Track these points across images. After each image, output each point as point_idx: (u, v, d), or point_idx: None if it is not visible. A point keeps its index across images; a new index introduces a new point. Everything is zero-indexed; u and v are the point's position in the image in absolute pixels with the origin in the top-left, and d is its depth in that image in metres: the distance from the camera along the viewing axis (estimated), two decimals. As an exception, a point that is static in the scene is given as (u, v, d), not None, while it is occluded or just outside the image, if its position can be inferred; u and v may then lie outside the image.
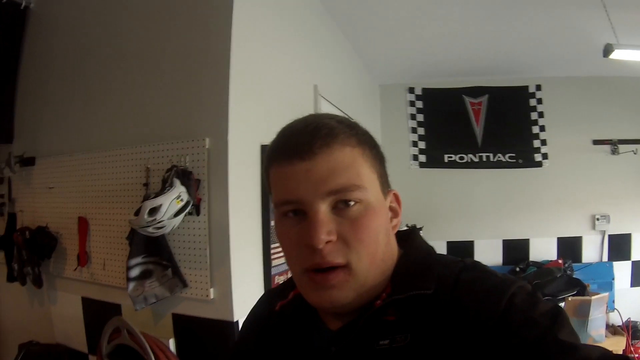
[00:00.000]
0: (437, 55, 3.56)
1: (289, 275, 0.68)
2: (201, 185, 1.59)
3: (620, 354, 0.50)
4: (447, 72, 3.91)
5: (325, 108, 2.49)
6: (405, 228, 0.75)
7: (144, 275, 1.60)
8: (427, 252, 0.68)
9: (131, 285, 1.58)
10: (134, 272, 1.59)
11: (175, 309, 1.66)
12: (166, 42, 1.75)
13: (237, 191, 1.59)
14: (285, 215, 0.61)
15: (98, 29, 2.00)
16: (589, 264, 3.74)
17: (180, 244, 1.63)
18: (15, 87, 2.32)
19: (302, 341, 0.68)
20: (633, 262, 3.80)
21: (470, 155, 4.03)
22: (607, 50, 2.64)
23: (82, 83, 2.03)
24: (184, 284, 1.59)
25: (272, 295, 0.77)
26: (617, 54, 2.66)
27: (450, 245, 3.94)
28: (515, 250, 3.89)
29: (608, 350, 0.50)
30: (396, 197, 0.69)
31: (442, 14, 2.78)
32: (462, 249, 3.89)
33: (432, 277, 0.61)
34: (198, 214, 1.59)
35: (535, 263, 3.69)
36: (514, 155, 3.96)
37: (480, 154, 4.02)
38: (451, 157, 4.04)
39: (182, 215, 1.53)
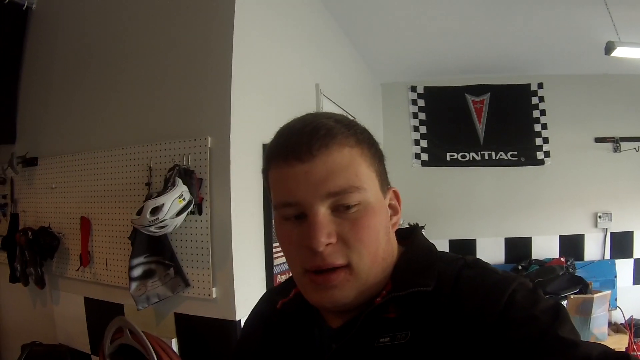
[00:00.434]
0: (439, 54, 3.55)
1: (291, 274, 0.68)
2: (203, 184, 1.59)
3: (620, 352, 0.50)
4: (449, 70, 3.91)
5: (327, 107, 2.49)
6: (407, 226, 0.75)
7: (147, 275, 1.60)
8: (427, 250, 0.67)
9: (133, 284, 1.58)
10: (137, 272, 1.60)
11: (177, 308, 1.66)
12: (168, 41, 1.76)
13: (239, 190, 1.60)
14: (286, 218, 0.61)
15: (100, 29, 2.00)
16: (591, 262, 3.74)
17: (183, 243, 1.63)
18: (17, 87, 2.32)
19: (304, 339, 0.68)
20: (635, 259, 3.80)
21: (473, 154, 4.02)
22: (609, 47, 2.63)
23: (84, 83, 2.04)
24: (186, 284, 1.60)
25: (274, 294, 0.77)
26: (618, 52, 2.65)
27: (453, 243, 3.94)
28: (518, 248, 3.89)
29: (609, 348, 0.49)
30: (396, 195, 0.68)
31: (443, 12, 2.78)
32: (464, 247, 3.89)
33: (432, 274, 0.61)
34: (200, 213, 1.60)
35: (537, 261, 3.68)
36: (516, 153, 3.96)
37: (483, 152, 4.01)
38: (453, 155, 4.04)
39: (184, 215, 1.53)
